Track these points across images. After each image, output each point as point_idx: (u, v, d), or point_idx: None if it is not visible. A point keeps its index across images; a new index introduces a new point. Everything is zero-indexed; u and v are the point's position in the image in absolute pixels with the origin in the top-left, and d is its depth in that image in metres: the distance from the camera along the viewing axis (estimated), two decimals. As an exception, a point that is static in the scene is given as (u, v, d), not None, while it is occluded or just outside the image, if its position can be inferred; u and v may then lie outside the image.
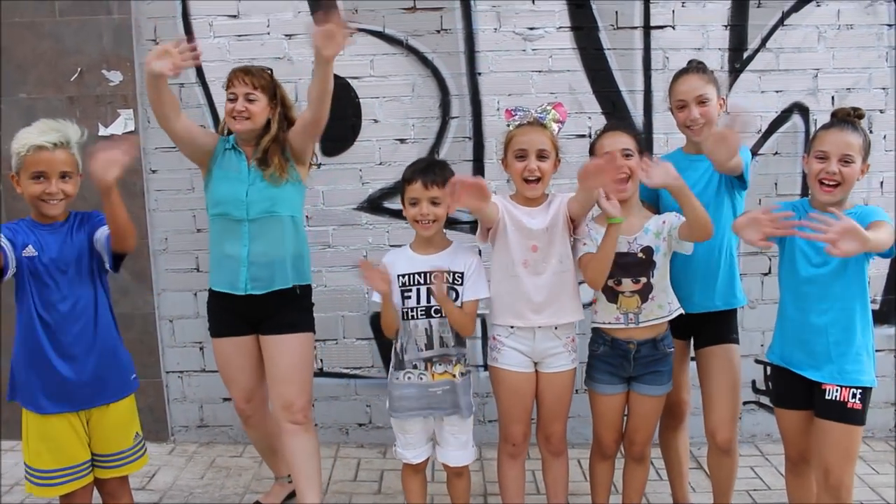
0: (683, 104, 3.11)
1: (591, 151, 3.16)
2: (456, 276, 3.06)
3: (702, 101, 3.08)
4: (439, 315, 3.04)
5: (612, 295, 3.05)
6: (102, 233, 2.88)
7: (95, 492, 2.97)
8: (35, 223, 2.88)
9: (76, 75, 4.13)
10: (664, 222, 3.03)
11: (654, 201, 3.24)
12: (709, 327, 3.21)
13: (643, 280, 3.01)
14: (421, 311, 3.05)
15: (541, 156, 3.00)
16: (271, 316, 3.29)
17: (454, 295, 3.06)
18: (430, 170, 3.05)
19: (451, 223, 4.19)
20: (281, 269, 3.25)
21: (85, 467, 2.84)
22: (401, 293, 3.06)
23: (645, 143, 4.13)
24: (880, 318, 4.28)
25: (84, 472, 2.84)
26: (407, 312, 3.06)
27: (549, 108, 3.04)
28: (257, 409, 3.53)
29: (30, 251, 2.79)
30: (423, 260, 3.08)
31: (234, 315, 3.32)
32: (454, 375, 3.06)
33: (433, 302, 3.02)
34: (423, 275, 3.04)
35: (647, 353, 3.05)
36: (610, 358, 3.08)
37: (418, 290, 3.05)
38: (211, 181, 3.32)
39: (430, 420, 3.15)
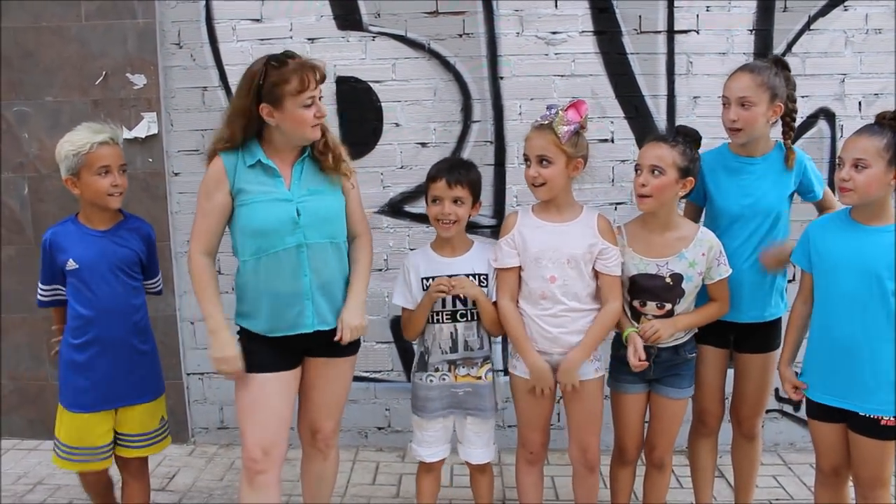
0: (726, 101, 3.00)
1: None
2: (481, 277, 3.05)
3: (744, 104, 2.94)
4: (465, 319, 3.05)
5: (634, 314, 3.03)
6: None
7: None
8: (84, 229, 3.05)
9: (101, 79, 4.16)
10: (703, 255, 2.93)
11: (699, 198, 3.19)
12: (756, 336, 3.15)
13: (667, 307, 2.96)
14: (447, 315, 3.05)
15: (543, 160, 2.92)
16: (325, 335, 2.88)
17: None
18: (456, 169, 3.03)
19: (472, 227, 4.18)
20: (339, 290, 2.91)
21: (106, 450, 3.04)
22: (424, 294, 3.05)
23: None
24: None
25: (103, 454, 3.04)
26: (432, 316, 3.06)
27: (557, 109, 2.92)
28: (273, 464, 2.88)
29: (71, 265, 2.97)
30: (447, 263, 3.06)
31: (284, 348, 2.87)
32: (478, 378, 3.07)
33: (458, 306, 3.03)
34: (450, 277, 3.01)
35: (668, 358, 3.02)
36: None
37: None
38: (240, 212, 2.80)
39: (450, 420, 3.15)
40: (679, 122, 4.11)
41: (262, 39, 4.12)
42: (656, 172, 2.84)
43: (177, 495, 3.87)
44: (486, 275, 3.05)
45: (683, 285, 2.92)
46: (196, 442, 4.46)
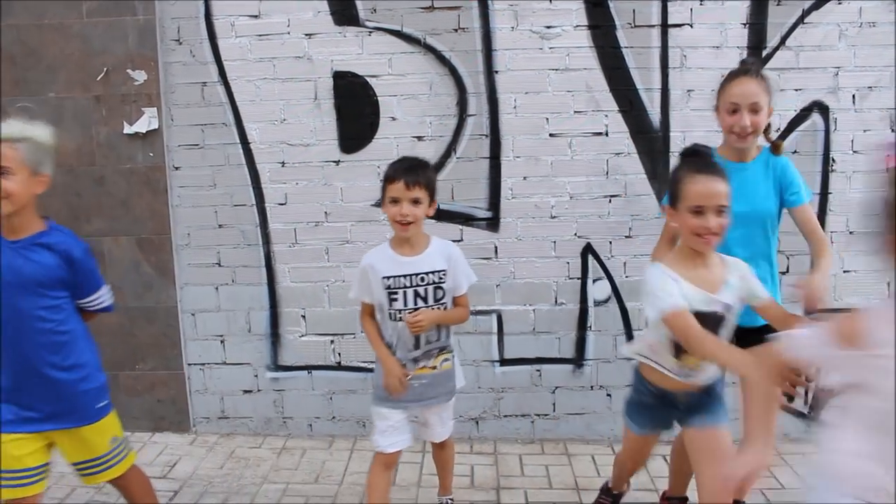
0: (736, 108, 2.99)
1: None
2: (440, 274, 3.07)
3: (755, 109, 2.97)
4: None
5: (676, 349, 2.69)
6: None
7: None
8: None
9: (102, 75, 4.22)
10: (741, 278, 2.67)
11: None
12: (749, 341, 2.90)
13: None
14: (408, 313, 3.04)
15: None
16: None
17: (441, 294, 3.07)
18: (414, 170, 3.03)
19: (468, 220, 4.24)
20: None
21: (26, 475, 2.71)
22: (387, 295, 3.05)
23: (661, 142, 4.16)
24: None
25: (24, 480, 2.70)
26: (394, 314, 3.07)
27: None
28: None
29: None
30: (408, 262, 3.06)
31: None
32: (433, 368, 3.13)
33: (419, 304, 3.05)
34: (408, 277, 3.04)
35: (698, 400, 2.84)
36: (654, 410, 2.89)
37: (405, 292, 3.04)
38: None
39: (411, 411, 3.19)
40: (673, 115, 4.15)
41: (260, 35, 4.18)
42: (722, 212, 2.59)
43: (177, 483, 3.94)
44: (445, 270, 3.08)
45: (732, 315, 2.67)
46: (197, 431, 4.53)
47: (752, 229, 3.06)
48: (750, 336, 2.93)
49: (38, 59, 4.25)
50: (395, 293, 3.04)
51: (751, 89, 2.98)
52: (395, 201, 2.98)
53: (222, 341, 4.45)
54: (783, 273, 4.21)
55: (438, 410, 3.24)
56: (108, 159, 4.30)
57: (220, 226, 4.35)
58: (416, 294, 3.04)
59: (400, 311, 3.05)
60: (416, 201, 2.97)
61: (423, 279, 3.04)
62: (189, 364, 4.49)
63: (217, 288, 4.40)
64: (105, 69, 4.22)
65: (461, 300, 3.17)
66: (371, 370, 4.38)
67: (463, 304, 3.18)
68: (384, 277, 3.04)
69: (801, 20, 4.08)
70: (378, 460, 3.17)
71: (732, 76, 3.06)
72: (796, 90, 4.12)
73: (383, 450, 3.13)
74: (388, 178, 3.03)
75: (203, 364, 4.49)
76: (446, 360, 3.17)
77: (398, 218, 2.98)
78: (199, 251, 4.39)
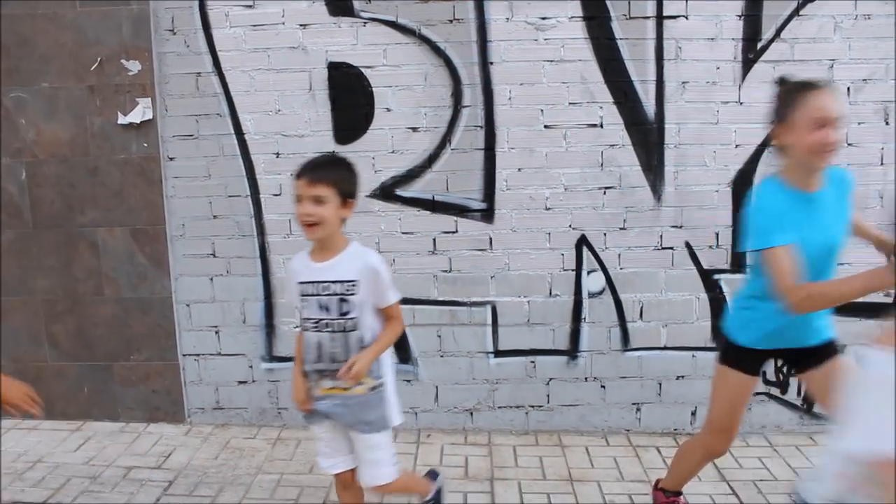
0: (824, 122, 2.58)
1: None
2: (348, 285, 2.75)
3: (838, 125, 2.63)
4: (329, 330, 2.78)
5: None
6: None
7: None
8: None
9: (96, 65, 4.21)
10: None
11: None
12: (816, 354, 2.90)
13: None
14: (312, 323, 2.80)
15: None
16: None
17: (347, 308, 2.75)
18: (320, 166, 2.78)
19: (463, 211, 4.24)
20: None
21: None
22: (300, 302, 2.83)
23: (656, 134, 4.17)
24: None
25: None
26: (303, 322, 2.86)
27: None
28: None
29: None
30: (317, 268, 2.79)
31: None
32: (345, 389, 2.80)
33: (322, 316, 2.78)
34: (315, 284, 2.77)
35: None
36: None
37: (311, 301, 2.79)
38: None
39: (340, 431, 2.93)
40: (668, 107, 4.14)
41: (254, 25, 4.16)
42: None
43: (172, 473, 3.94)
44: (355, 282, 2.75)
45: None
46: (192, 422, 4.54)
47: (831, 263, 2.77)
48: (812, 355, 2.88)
49: (31, 49, 4.23)
50: (305, 300, 2.81)
51: (836, 104, 2.65)
52: (299, 200, 2.72)
53: (217, 332, 4.45)
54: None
55: (363, 443, 2.88)
56: (102, 150, 4.29)
57: (215, 216, 4.34)
58: (320, 305, 2.78)
59: (307, 320, 2.82)
60: (318, 200, 2.68)
61: (325, 288, 2.77)
62: (184, 355, 4.49)
63: (212, 279, 4.40)
64: (99, 59, 4.21)
65: (390, 311, 2.87)
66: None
67: (393, 316, 2.89)
68: (298, 283, 2.84)
69: (796, 12, 4.07)
70: (336, 482, 3.07)
71: (810, 88, 2.66)
72: (791, 82, 4.12)
73: (324, 470, 3.02)
74: (295, 176, 2.78)
75: (198, 355, 4.49)
76: (362, 383, 2.79)
77: (300, 218, 2.72)
78: (194, 242, 4.38)
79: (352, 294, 2.75)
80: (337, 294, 2.76)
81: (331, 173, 2.74)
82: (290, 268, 2.91)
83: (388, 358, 2.92)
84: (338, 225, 2.77)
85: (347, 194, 2.75)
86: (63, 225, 4.38)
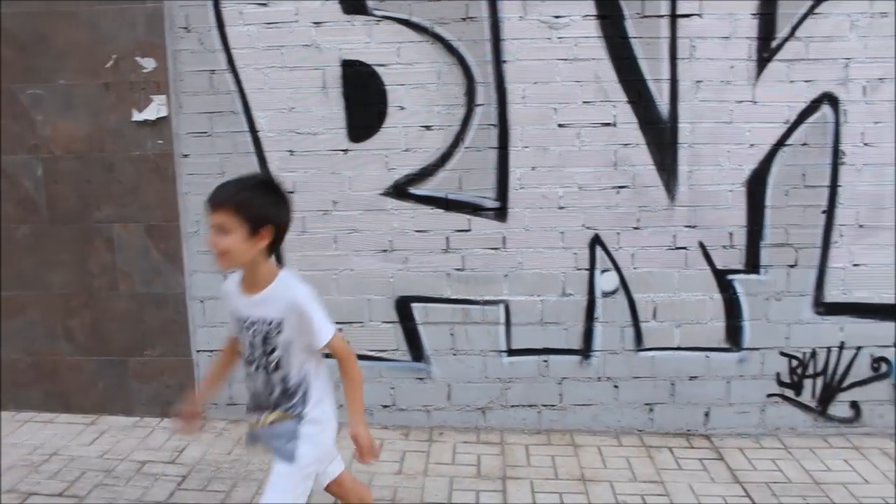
0: None
1: None
2: (270, 324, 2.48)
3: None
4: (254, 367, 2.57)
5: None
6: None
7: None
8: None
9: (111, 62, 4.23)
10: None
11: None
12: None
13: None
14: (245, 353, 2.61)
15: None
16: None
17: (271, 348, 2.51)
18: (224, 189, 2.44)
19: (476, 210, 4.24)
20: None
21: None
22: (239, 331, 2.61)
23: (670, 133, 4.15)
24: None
25: None
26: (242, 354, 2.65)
27: None
28: None
29: None
30: (245, 303, 2.54)
31: None
32: (268, 423, 2.60)
33: (249, 351, 2.56)
34: (240, 321, 2.56)
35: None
36: None
37: (241, 334, 2.58)
38: None
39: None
40: (682, 106, 4.12)
41: (268, 23, 4.17)
42: None
43: (186, 468, 3.96)
44: (280, 321, 2.47)
45: None
46: (205, 417, 4.56)
47: None
48: None
49: (48, 46, 4.26)
50: (241, 332, 2.59)
51: None
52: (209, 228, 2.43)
53: (230, 328, 4.47)
54: (791, 266, 4.22)
55: (273, 466, 2.60)
56: (117, 146, 4.32)
57: (229, 214, 4.35)
58: (250, 342, 2.55)
59: (242, 352, 2.62)
60: (221, 228, 2.36)
61: (251, 326, 2.52)
62: (197, 350, 4.52)
63: (226, 275, 4.40)
64: (114, 57, 4.23)
65: (332, 350, 2.54)
66: (379, 359, 4.44)
67: (339, 356, 2.56)
68: (229, 310, 2.63)
69: (811, 10, 4.05)
70: (333, 492, 2.93)
71: None
72: (806, 81, 4.09)
73: (320, 491, 2.86)
74: None
75: (211, 350, 4.50)
76: (279, 418, 2.59)
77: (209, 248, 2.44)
78: (208, 239, 4.39)
79: (277, 334, 2.50)
80: (261, 333, 2.51)
81: (233, 198, 2.38)
82: (223, 289, 2.68)
83: (324, 405, 2.64)
84: (253, 256, 2.43)
85: (258, 221, 2.40)
86: (79, 220, 4.41)
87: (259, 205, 2.42)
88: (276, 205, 2.49)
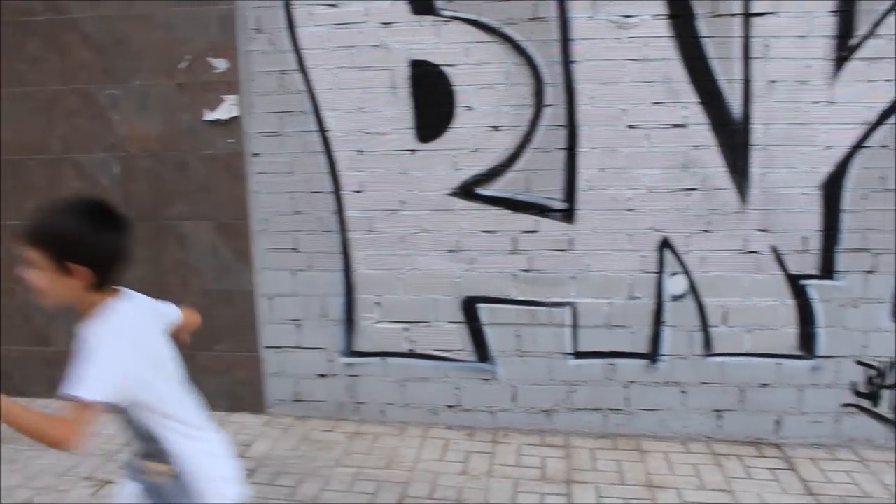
0: None
1: None
2: None
3: None
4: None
5: None
6: None
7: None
8: None
9: (185, 63, 4.33)
10: None
11: None
12: None
13: None
14: None
15: None
16: None
17: None
18: (31, 221, 2.03)
19: (543, 211, 4.21)
20: None
21: None
22: None
23: (742, 135, 4.06)
24: None
25: None
26: None
27: None
28: None
29: None
30: None
31: None
32: (141, 472, 2.27)
33: None
34: None
35: None
36: None
37: None
38: None
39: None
40: (755, 107, 4.03)
41: (338, 24, 4.21)
42: None
43: (254, 462, 4.03)
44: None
45: None
46: (272, 413, 4.63)
47: None
48: None
49: (125, 48, 4.38)
50: None
51: None
52: None
53: (298, 326, 4.53)
54: (868, 272, 4.09)
55: None
56: (190, 145, 4.42)
57: (298, 212, 4.41)
58: None
59: None
60: (30, 263, 2.00)
61: None
62: (265, 347, 4.59)
63: (294, 273, 4.48)
64: (188, 58, 4.32)
65: (68, 407, 1.93)
66: (444, 359, 4.45)
67: (68, 412, 1.94)
68: None
69: (893, 6, 3.90)
70: None
71: None
72: (887, 81, 3.95)
73: None
74: None
75: (279, 347, 4.58)
76: (159, 472, 2.24)
77: None
78: (277, 236, 4.46)
79: None
80: None
81: (33, 232, 2.00)
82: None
83: (193, 452, 2.26)
84: (78, 295, 2.04)
85: (63, 258, 1.98)
86: (153, 218, 4.52)
87: (64, 240, 1.99)
88: (92, 236, 2.01)
